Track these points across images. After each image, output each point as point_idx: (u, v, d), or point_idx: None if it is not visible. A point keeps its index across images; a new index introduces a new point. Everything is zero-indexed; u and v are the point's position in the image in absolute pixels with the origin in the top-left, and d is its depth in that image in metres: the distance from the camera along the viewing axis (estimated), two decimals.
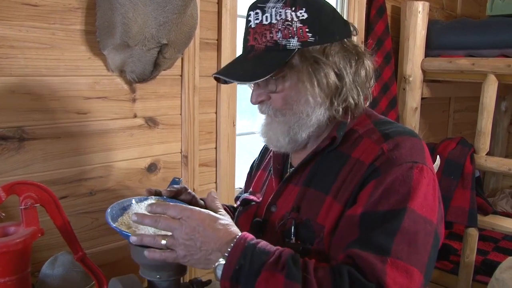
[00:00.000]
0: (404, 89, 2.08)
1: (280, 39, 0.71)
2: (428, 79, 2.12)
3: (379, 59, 1.93)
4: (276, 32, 0.71)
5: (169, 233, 0.66)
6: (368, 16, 1.93)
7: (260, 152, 1.01)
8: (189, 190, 0.88)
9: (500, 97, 2.95)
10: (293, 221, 0.74)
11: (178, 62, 1.24)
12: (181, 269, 0.78)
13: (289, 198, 0.78)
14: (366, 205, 0.66)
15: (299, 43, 0.71)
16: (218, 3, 1.34)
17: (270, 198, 0.81)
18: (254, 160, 1.01)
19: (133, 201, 0.83)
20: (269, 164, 0.88)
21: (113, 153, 1.15)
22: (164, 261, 0.67)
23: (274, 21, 0.71)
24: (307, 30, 0.71)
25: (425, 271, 0.63)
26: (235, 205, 1.00)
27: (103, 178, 1.13)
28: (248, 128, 1.60)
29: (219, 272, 0.63)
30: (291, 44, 0.71)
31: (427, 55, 2.06)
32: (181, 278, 0.80)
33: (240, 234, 0.66)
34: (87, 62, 1.06)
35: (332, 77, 0.72)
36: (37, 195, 0.81)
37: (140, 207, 0.81)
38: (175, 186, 0.87)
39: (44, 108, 1.01)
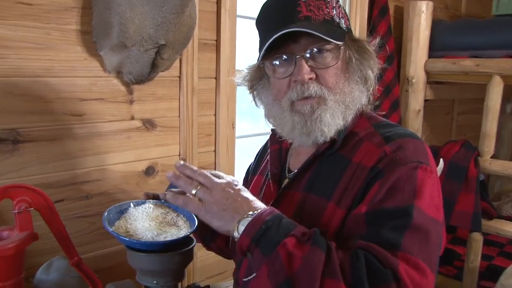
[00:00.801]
0: (406, 91, 2.07)
1: (335, 16, 0.73)
2: (432, 80, 2.11)
3: (381, 60, 1.91)
4: (332, 8, 0.73)
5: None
6: (370, 16, 1.91)
7: (256, 156, 0.99)
8: (188, 194, 0.86)
9: (505, 99, 2.90)
10: None
11: (176, 63, 1.23)
12: (179, 274, 0.78)
13: (290, 205, 0.76)
14: (371, 204, 0.65)
15: (345, 27, 0.75)
16: (217, 2, 1.33)
17: (269, 204, 0.79)
18: (250, 165, 1.00)
19: (131, 205, 0.82)
20: (266, 168, 0.87)
21: (109, 156, 1.14)
22: (184, 206, 0.68)
23: None
24: (347, 18, 0.76)
25: (434, 270, 0.61)
26: None
27: (100, 182, 1.12)
28: (248, 131, 1.59)
29: (242, 228, 0.62)
30: (342, 25, 0.74)
31: (430, 56, 2.05)
32: (179, 284, 0.80)
33: (270, 207, 0.67)
34: (83, 63, 1.06)
35: (367, 68, 0.76)
36: (31, 199, 0.81)
37: (137, 210, 0.80)
38: (173, 189, 0.85)
39: (39, 109, 1.00)
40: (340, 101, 0.73)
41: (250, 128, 1.61)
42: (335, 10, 0.73)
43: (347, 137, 0.75)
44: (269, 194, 0.82)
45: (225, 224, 0.64)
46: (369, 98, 0.79)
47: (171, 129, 1.27)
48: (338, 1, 0.75)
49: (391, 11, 2.01)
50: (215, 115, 1.38)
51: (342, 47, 0.73)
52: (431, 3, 2.01)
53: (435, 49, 2.03)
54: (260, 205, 0.66)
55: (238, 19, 1.39)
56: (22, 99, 0.97)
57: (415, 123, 2.07)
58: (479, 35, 1.92)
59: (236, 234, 0.63)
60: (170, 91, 1.25)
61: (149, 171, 1.23)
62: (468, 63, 1.89)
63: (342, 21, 0.74)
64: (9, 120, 0.96)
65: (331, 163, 0.74)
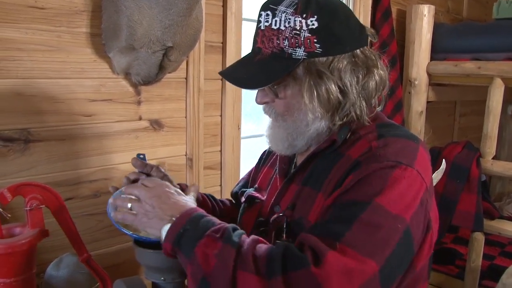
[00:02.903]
0: (409, 93, 2.08)
1: (287, 47, 0.69)
2: (434, 82, 2.12)
3: (384, 62, 1.93)
4: (283, 39, 0.69)
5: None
6: (373, 19, 1.93)
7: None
8: (162, 169, 0.90)
9: (506, 101, 2.92)
10: (285, 218, 0.74)
11: (183, 65, 1.24)
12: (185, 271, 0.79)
13: (289, 197, 0.78)
14: (337, 195, 0.66)
15: (305, 54, 0.69)
16: (223, 6, 1.35)
17: (273, 198, 0.81)
18: (265, 152, 1.00)
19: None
20: (276, 161, 0.88)
21: (118, 156, 1.15)
22: (124, 221, 0.72)
23: (282, 27, 0.69)
24: (315, 40, 0.69)
25: (384, 265, 0.59)
26: (230, 198, 1.02)
27: (108, 180, 1.14)
28: (253, 131, 1.60)
29: (164, 233, 0.65)
30: (297, 54, 0.69)
31: (432, 58, 2.06)
32: (186, 280, 0.81)
33: (194, 206, 0.70)
34: (92, 64, 1.07)
35: (335, 92, 0.70)
36: (43, 196, 0.82)
37: None
38: (143, 161, 0.89)
39: (50, 110, 1.02)
40: (284, 128, 0.75)
41: (256, 129, 1.61)
42: (287, 41, 0.69)
43: (350, 136, 0.75)
44: (276, 188, 0.83)
45: (156, 232, 0.67)
46: (381, 102, 0.78)
47: (178, 129, 1.28)
48: (298, 29, 0.69)
49: (394, 15, 2.02)
50: (221, 115, 1.39)
51: (287, 81, 0.71)
52: (433, 7, 2.02)
53: (437, 51, 2.04)
54: (184, 207, 0.68)
55: (243, 22, 1.41)
56: (33, 100, 0.99)
57: (417, 124, 2.09)
58: (480, 38, 1.93)
59: (162, 240, 0.66)
60: (177, 92, 1.26)
61: None
62: (469, 66, 1.90)
63: (300, 49, 0.69)
64: (21, 120, 0.97)
65: (329, 159, 0.75)
